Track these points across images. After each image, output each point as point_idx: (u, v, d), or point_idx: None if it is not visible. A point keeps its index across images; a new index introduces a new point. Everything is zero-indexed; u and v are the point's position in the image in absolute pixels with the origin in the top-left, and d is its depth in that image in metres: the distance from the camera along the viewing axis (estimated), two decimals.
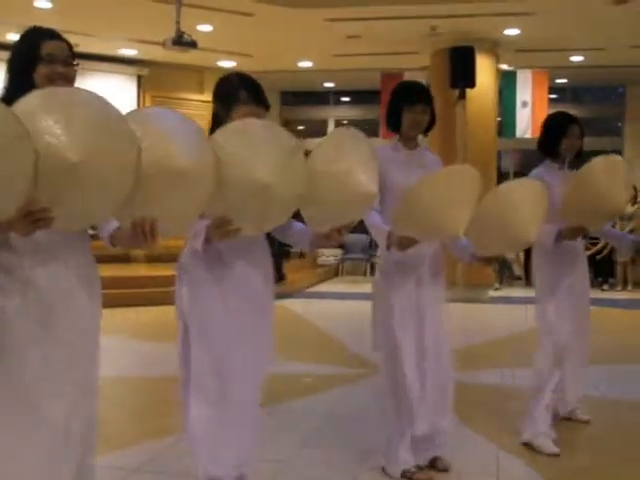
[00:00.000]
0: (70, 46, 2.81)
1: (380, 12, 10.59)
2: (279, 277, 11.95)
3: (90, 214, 2.52)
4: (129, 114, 2.56)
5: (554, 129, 4.41)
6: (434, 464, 3.96)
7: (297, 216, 3.21)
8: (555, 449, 4.18)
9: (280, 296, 11.29)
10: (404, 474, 3.85)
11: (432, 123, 3.93)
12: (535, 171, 4.43)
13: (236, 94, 3.19)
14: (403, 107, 3.84)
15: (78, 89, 2.54)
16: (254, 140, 2.88)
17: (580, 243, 4.46)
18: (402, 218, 3.57)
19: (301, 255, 14.91)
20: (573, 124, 4.40)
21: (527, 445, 4.27)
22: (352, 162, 3.15)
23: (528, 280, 12.72)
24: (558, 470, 4.01)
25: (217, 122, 3.16)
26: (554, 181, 4.23)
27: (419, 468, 3.89)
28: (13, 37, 5.93)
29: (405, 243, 3.67)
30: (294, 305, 10.97)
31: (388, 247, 3.75)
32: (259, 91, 3.25)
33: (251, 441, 3.33)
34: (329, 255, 15.63)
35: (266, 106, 3.23)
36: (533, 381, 4.40)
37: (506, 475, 3.92)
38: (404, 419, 3.86)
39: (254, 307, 3.32)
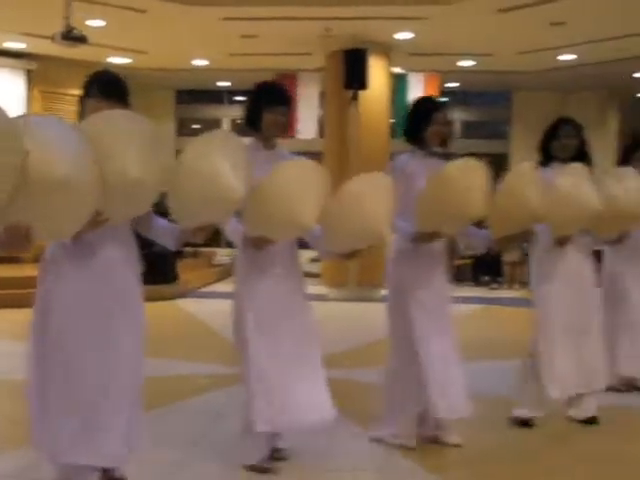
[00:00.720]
0: None
1: (275, 12, 10.62)
2: (172, 277, 11.84)
3: None
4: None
5: (418, 114, 4.29)
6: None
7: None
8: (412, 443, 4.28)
9: (173, 296, 11.20)
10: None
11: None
12: (401, 157, 4.34)
13: (88, 89, 3.27)
14: (264, 108, 3.89)
15: None
16: (118, 132, 2.91)
17: (440, 244, 4.34)
18: (250, 216, 3.65)
19: (195, 255, 14.81)
20: (438, 110, 4.27)
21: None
22: (219, 164, 3.23)
23: None
24: (437, 460, 4.15)
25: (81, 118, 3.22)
26: (418, 169, 4.19)
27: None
28: None
29: (259, 243, 3.76)
30: (187, 305, 10.90)
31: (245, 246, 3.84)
32: (111, 86, 3.29)
33: (116, 442, 3.27)
34: (224, 255, 15.57)
35: (122, 102, 3.26)
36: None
37: (388, 468, 4.03)
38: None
39: (123, 291, 3.33)
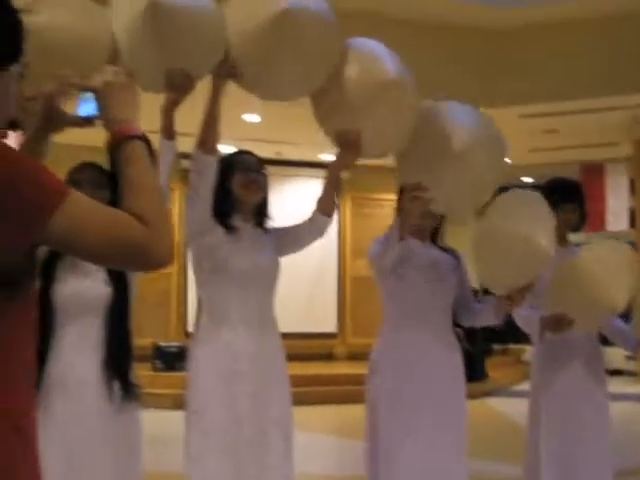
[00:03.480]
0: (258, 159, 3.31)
1: (579, 105, 10.45)
2: (482, 374, 11.75)
3: None
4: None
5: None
6: None
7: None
8: None
9: (483, 394, 11.07)
10: None
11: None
12: None
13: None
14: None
15: None
16: None
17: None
18: (556, 291, 3.56)
19: (504, 352, 14.59)
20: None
21: None
22: (530, 221, 3.20)
23: None
24: None
25: None
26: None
27: None
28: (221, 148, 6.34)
29: (559, 323, 3.62)
30: (496, 403, 10.71)
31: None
32: None
33: None
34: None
35: None
36: None
37: None
38: None
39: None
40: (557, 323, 3.64)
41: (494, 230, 3.21)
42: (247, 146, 3.33)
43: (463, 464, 3.46)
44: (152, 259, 1.41)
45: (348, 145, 3.01)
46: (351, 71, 2.85)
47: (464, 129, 2.98)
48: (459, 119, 3.02)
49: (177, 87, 2.78)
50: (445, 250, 3.67)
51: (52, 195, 1.35)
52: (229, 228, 3.15)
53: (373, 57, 2.90)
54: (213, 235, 3.09)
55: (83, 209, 1.38)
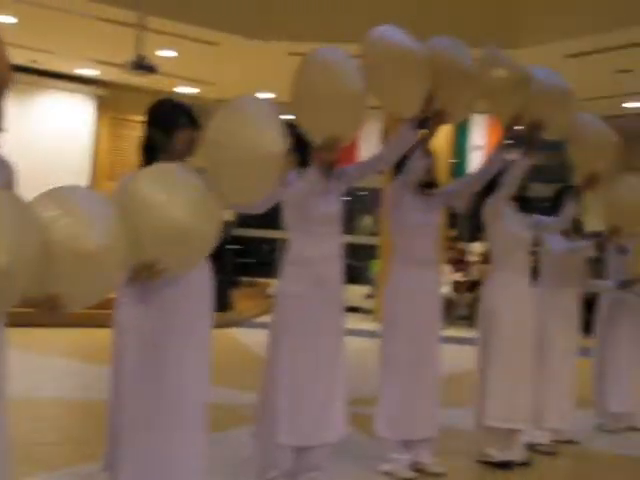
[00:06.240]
0: None
1: None
2: (227, 305, 11.91)
3: None
4: (49, 192, 2.59)
5: None
6: None
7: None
8: None
9: (226, 324, 11.24)
10: None
11: None
12: None
13: (177, 119, 3.28)
14: None
15: None
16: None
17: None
18: None
19: (251, 284, 14.87)
20: None
21: None
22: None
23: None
24: None
25: (153, 147, 3.28)
26: None
27: None
28: None
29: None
30: (240, 334, 10.92)
31: None
32: (194, 116, 3.35)
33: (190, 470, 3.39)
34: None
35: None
36: None
37: None
38: None
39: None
40: None
41: None
42: None
43: (206, 383, 3.50)
44: None
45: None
46: None
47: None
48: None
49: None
50: None
51: None
52: None
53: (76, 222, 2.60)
54: None
55: None
